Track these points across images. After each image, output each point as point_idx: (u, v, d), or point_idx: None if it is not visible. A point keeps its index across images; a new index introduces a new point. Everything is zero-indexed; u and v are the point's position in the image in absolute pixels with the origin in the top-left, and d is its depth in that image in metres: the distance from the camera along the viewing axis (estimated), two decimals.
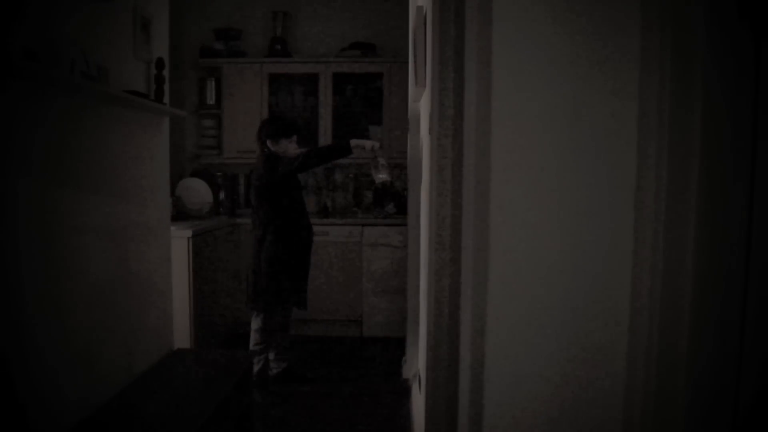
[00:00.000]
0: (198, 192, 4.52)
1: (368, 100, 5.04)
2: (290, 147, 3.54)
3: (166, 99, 2.73)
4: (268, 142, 3.52)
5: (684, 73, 1.00)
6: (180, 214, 4.23)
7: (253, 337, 3.60)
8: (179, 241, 3.59)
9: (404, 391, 3.58)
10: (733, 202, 0.96)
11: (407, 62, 3.66)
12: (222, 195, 4.95)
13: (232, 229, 4.64)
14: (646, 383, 1.08)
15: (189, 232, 3.72)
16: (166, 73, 2.72)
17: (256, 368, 3.43)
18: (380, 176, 3.48)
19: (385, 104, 4.91)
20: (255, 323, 3.58)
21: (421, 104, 2.85)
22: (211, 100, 5.04)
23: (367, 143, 3.48)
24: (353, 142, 3.46)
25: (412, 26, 3.32)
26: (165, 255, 2.89)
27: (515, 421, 1.23)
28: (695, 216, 0.98)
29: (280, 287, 3.50)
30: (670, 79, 1.03)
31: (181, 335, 3.41)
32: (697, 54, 0.98)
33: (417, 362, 3.36)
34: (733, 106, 0.95)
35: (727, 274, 0.96)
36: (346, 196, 5.19)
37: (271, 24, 5.08)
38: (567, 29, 1.14)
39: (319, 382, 3.74)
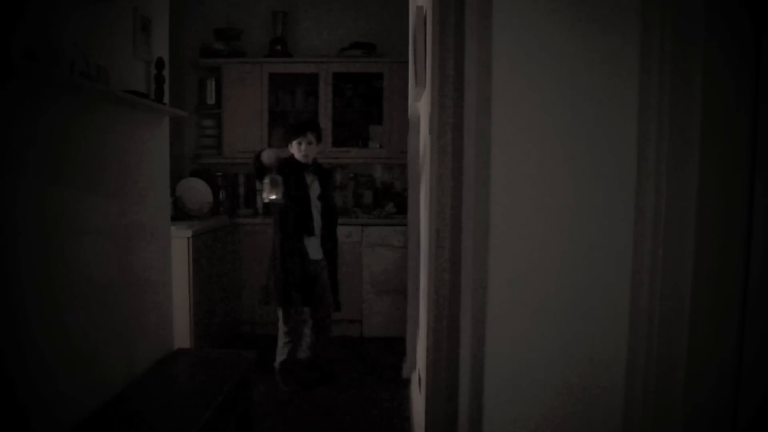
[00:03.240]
0: (198, 192, 4.51)
1: (368, 100, 5.04)
2: (294, 149, 3.55)
3: (166, 99, 2.73)
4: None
5: (684, 67, 1.00)
6: (180, 214, 4.23)
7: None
8: (179, 241, 3.59)
9: (404, 391, 3.58)
10: (733, 201, 0.96)
11: (407, 62, 3.66)
12: (222, 195, 4.95)
13: (232, 229, 4.64)
14: (645, 385, 1.08)
15: (189, 232, 3.72)
16: (166, 73, 2.72)
17: (278, 359, 3.68)
18: (267, 195, 3.35)
19: (385, 104, 4.91)
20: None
21: (421, 104, 2.85)
22: (211, 100, 5.04)
23: (263, 156, 3.38)
24: (263, 153, 3.41)
25: (412, 26, 3.32)
26: (165, 255, 2.89)
27: (515, 422, 1.23)
28: (695, 215, 0.98)
29: (274, 283, 3.57)
30: (670, 74, 1.02)
31: (181, 335, 3.41)
32: (696, 45, 0.97)
33: (417, 362, 3.36)
34: (733, 99, 0.95)
35: (727, 277, 0.96)
36: (346, 196, 5.19)
37: (271, 24, 5.08)
38: (568, 26, 1.14)
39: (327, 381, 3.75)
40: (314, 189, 3.62)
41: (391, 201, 4.90)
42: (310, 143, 3.55)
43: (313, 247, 3.59)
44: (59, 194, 1.97)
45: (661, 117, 1.02)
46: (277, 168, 3.36)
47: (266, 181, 3.33)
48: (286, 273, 3.52)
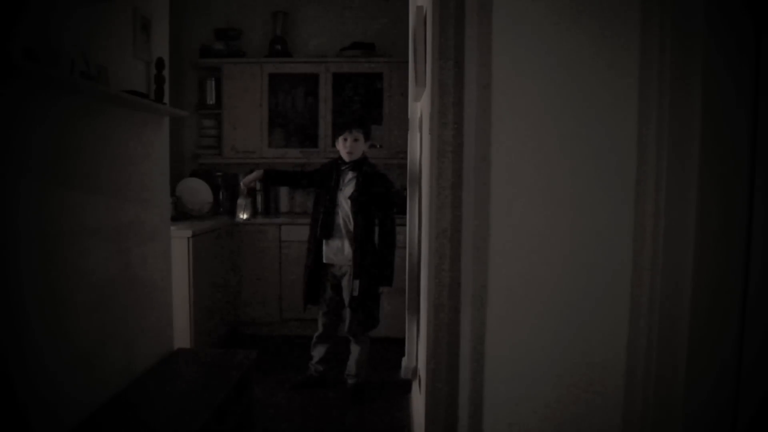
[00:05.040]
0: (198, 192, 4.52)
1: (368, 100, 5.04)
2: (339, 146, 3.52)
3: (166, 99, 2.73)
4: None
5: (684, 66, 1.00)
6: (180, 214, 4.23)
7: None
8: (179, 241, 3.59)
9: (404, 391, 3.58)
10: (733, 200, 0.96)
11: (407, 62, 3.66)
12: (222, 195, 4.95)
13: (232, 229, 4.64)
14: (645, 385, 1.08)
15: (189, 232, 3.72)
16: (166, 73, 2.72)
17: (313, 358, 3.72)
18: (238, 214, 3.70)
19: (385, 104, 4.91)
20: None
21: (421, 104, 2.85)
22: (211, 100, 5.04)
23: (244, 179, 3.65)
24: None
25: (412, 26, 3.32)
26: (165, 255, 2.89)
27: (515, 422, 1.23)
28: (695, 214, 0.98)
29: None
30: (670, 73, 1.03)
31: (181, 335, 3.41)
32: (697, 44, 0.97)
33: (417, 362, 3.36)
34: (733, 98, 0.95)
35: (727, 277, 0.96)
36: None
37: (271, 24, 5.08)
38: (568, 25, 1.14)
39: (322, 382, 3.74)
40: (347, 189, 3.43)
41: (390, 202, 4.89)
42: (356, 140, 3.44)
43: (333, 250, 3.44)
44: (59, 194, 1.97)
45: (660, 116, 1.02)
46: (265, 183, 3.77)
47: (238, 202, 3.67)
48: (304, 271, 3.57)
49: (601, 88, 1.15)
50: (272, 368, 3.92)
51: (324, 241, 3.45)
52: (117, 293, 2.37)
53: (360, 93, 5.07)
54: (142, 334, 2.59)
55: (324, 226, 3.41)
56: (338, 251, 3.45)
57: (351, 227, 3.41)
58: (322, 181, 3.51)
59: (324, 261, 3.47)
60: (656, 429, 1.04)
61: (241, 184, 3.58)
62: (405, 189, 4.20)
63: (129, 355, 2.47)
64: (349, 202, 3.41)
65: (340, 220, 3.43)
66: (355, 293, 3.39)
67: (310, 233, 3.54)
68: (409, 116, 3.84)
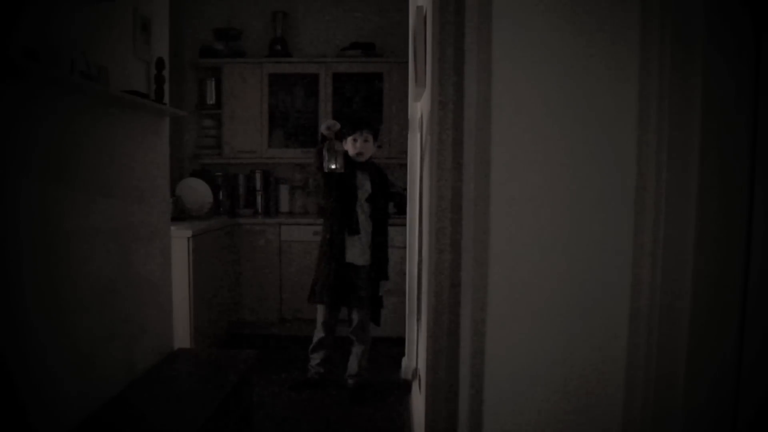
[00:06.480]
0: (198, 192, 4.51)
1: (368, 100, 5.04)
2: (348, 146, 3.44)
3: (166, 99, 2.73)
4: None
5: (684, 67, 1.00)
6: (180, 214, 4.23)
7: None
8: (179, 241, 3.59)
9: (404, 391, 3.58)
10: (733, 201, 0.96)
11: (407, 62, 3.66)
12: (222, 195, 4.96)
13: (232, 229, 4.64)
14: (645, 386, 1.08)
15: (189, 232, 3.72)
16: (166, 73, 2.72)
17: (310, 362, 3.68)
18: (326, 164, 3.21)
19: (385, 104, 4.91)
20: None
21: (421, 104, 2.85)
22: (211, 100, 5.04)
23: (322, 127, 3.25)
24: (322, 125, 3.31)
25: (412, 26, 3.32)
26: (165, 255, 2.89)
27: (515, 422, 1.23)
28: (695, 214, 0.98)
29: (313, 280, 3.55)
30: (670, 74, 1.02)
31: (181, 335, 3.41)
32: (696, 45, 0.97)
33: (416, 361, 3.36)
34: (733, 99, 0.95)
35: (727, 277, 0.96)
36: None
37: (271, 24, 5.08)
38: (567, 25, 1.14)
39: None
40: (364, 190, 3.45)
41: (391, 201, 4.90)
42: (366, 141, 3.42)
43: (355, 250, 3.42)
44: (60, 194, 1.97)
45: (660, 116, 1.02)
46: (337, 135, 3.26)
47: (325, 148, 3.21)
48: (320, 271, 3.47)
49: (601, 87, 1.15)
50: (272, 368, 3.92)
51: (346, 240, 3.41)
52: (117, 293, 2.37)
53: (360, 93, 5.07)
54: (142, 334, 2.59)
55: (351, 223, 3.39)
56: (361, 250, 3.43)
57: (369, 228, 3.45)
58: (338, 179, 3.39)
59: (347, 260, 3.42)
60: (656, 429, 1.04)
61: (328, 128, 3.19)
62: (405, 189, 4.20)
63: (129, 355, 2.47)
64: (368, 204, 3.44)
65: (363, 220, 3.44)
66: (381, 293, 3.48)
67: (329, 231, 3.44)
68: (409, 116, 3.84)
